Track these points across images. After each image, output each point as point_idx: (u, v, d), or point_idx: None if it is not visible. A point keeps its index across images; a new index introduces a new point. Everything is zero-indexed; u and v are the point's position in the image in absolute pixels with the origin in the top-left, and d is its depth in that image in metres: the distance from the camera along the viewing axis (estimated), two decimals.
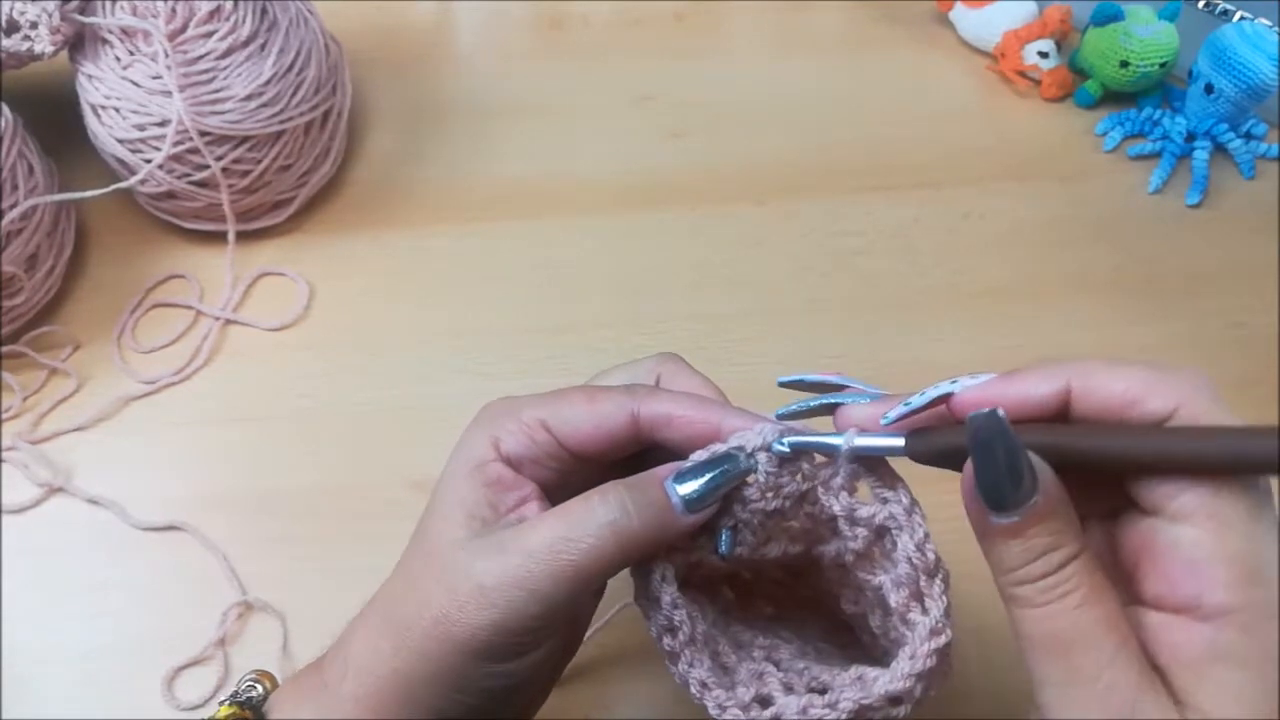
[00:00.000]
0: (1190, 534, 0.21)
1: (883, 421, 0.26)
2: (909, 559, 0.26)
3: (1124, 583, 0.23)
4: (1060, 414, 0.23)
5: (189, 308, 0.50)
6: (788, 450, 0.27)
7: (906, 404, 0.25)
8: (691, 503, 0.27)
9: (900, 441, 0.26)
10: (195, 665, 0.40)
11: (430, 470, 0.43)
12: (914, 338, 0.49)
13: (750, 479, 0.28)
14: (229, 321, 0.49)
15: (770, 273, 0.51)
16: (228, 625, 0.40)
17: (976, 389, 0.24)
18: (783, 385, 0.29)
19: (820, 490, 0.28)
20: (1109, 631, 0.21)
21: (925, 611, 0.26)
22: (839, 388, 0.28)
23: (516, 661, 0.27)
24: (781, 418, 0.29)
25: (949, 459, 0.24)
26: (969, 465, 0.22)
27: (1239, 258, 0.52)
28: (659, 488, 0.27)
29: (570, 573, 0.26)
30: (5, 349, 0.47)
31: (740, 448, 0.27)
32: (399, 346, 0.49)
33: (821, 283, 0.51)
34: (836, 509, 0.28)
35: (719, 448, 0.27)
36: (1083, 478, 0.23)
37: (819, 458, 0.28)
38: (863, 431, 0.27)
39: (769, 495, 0.28)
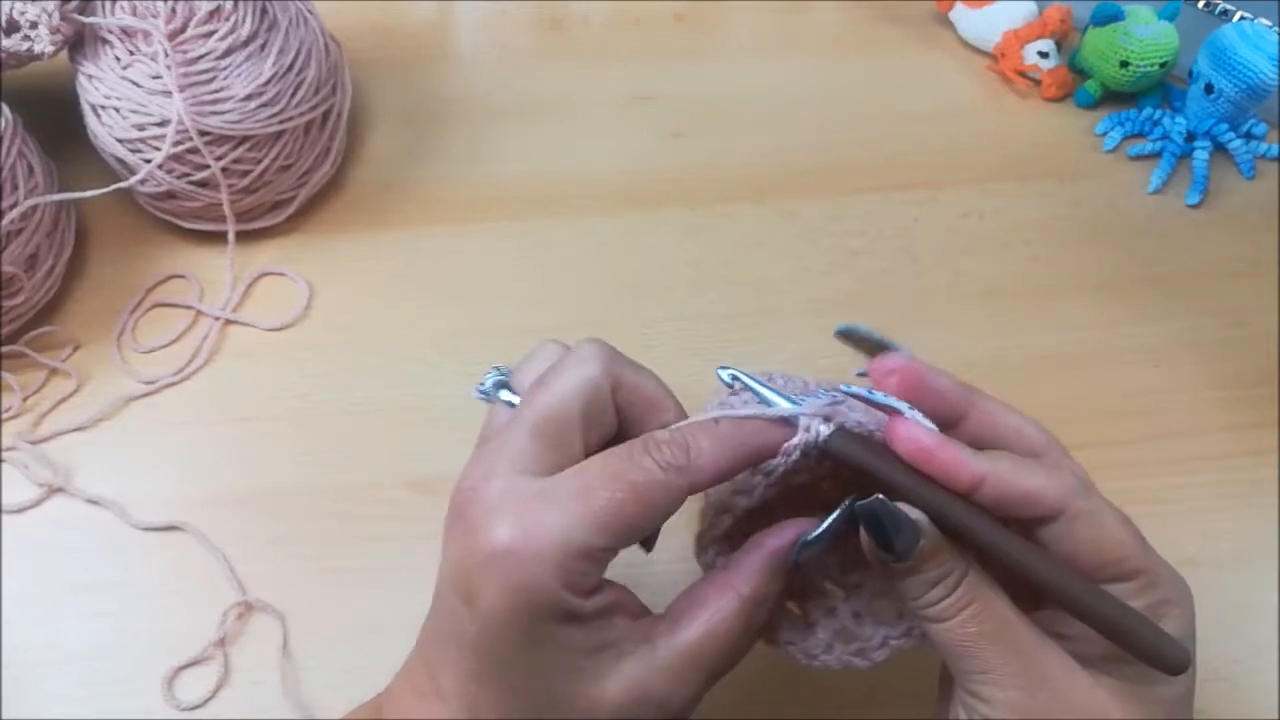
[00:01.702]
0: (1064, 526, 0.27)
1: (844, 389, 0.29)
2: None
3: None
4: (968, 494, 0.27)
5: (189, 308, 0.50)
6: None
7: (868, 392, 0.28)
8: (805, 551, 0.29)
9: (828, 430, 0.28)
10: (195, 665, 0.40)
11: (430, 470, 0.44)
12: (914, 338, 0.49)
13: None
14: (229, 321, 0.49)
15: (770, 273, 0.51)
16: (228, 625, 0.40)
17: (918, 433, 0.27)
18: (840, 334, 0.31)
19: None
20: (1004, 622, 0.26)
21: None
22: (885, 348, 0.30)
23: (581, 626, 0.27)
24: (841, 334, 0.31)
25: (850, 466, 0.28)
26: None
27: (1239, 258, 0.52)
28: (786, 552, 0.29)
29: (621, 504, 0.26)
30: (5, 349, 0.47)
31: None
32: (399, 346, 0.49)
33: (821, 283, 0.51)
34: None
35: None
36: None
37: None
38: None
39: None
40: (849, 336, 0.30)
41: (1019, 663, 0.26)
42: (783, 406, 0.28)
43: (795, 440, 0.28)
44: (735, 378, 0.30)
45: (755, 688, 0.38)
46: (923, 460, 0.27)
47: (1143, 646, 0.26)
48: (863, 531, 0.27)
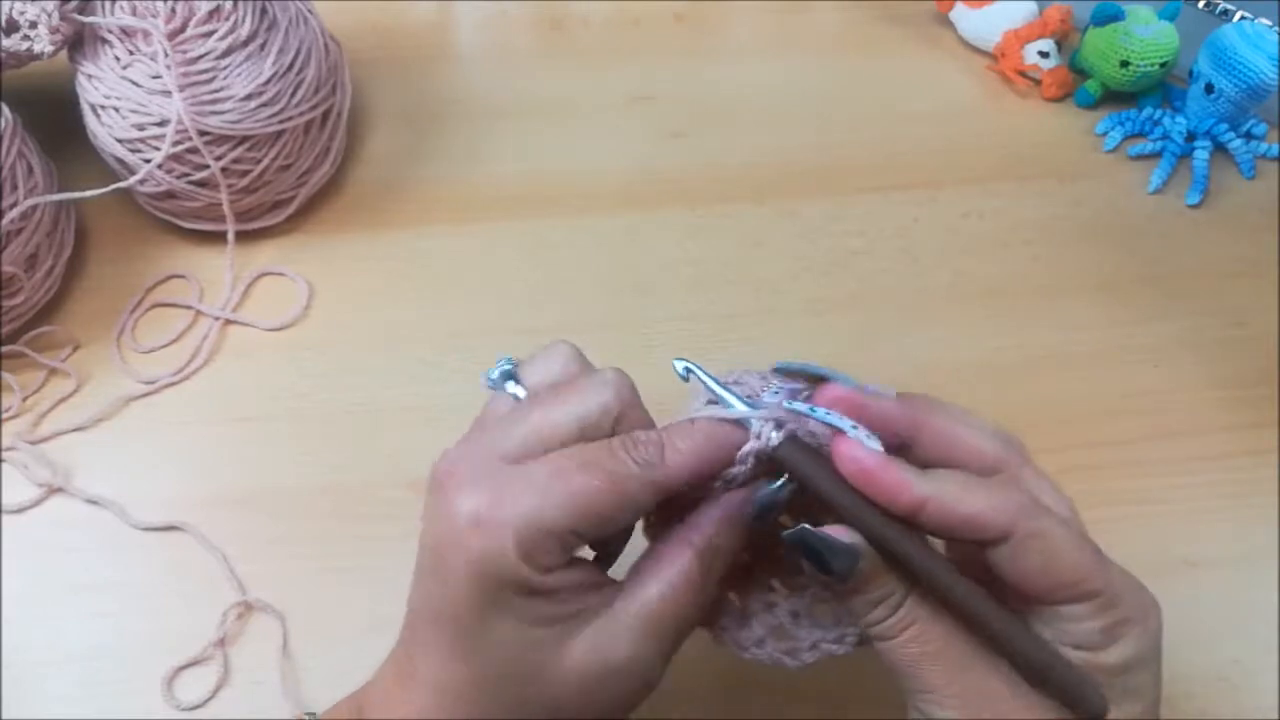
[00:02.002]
0: (1009, 549, 0.27)
1: (785, 404, 0.28)
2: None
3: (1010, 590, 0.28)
4: (911, 517, 0.27)
5: (188, 307, 0.50)
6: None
7: (811, 409, 0.28)
8: (759, 515, 0.29)
9: (777, 436, 0.28)
10: (195, 665, 0.40)
11: (429, 471, 0.44)
12: (914, 338, 0.49)
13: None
14: (229, 321, 0.49)
15: (770, 273, 0.51)
16: (227, 625, 0.40)
17: (861, 453, 0.27)
18: (780, 371, 0.30)
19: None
20: (945, 642, 0.27)
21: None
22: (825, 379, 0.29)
23: (544, 599, 0.27)
24: (781, 371, 0.30)
25: (793, 475, 0.28)
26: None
27: (1239, 258, 0.52)
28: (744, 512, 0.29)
29: (591, 496, 0.27)
30: (5, 349, 0.47)
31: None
32: (399, 346, 0.48)
33: (821, 283, 0.51)
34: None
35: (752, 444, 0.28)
36: None
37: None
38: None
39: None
40: (788, 373, 0.30)
41: (960, 684, 0.26)
42: (746, 409, 0.28)
43: (747, 447, 0.28)
44: (689, 370, 0.30)
45: (734, 688, 0.38)
46: (864, 481, 0.26)
47: (1062, 689, 0.26)
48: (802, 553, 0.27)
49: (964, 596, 0.26)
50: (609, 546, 0.32)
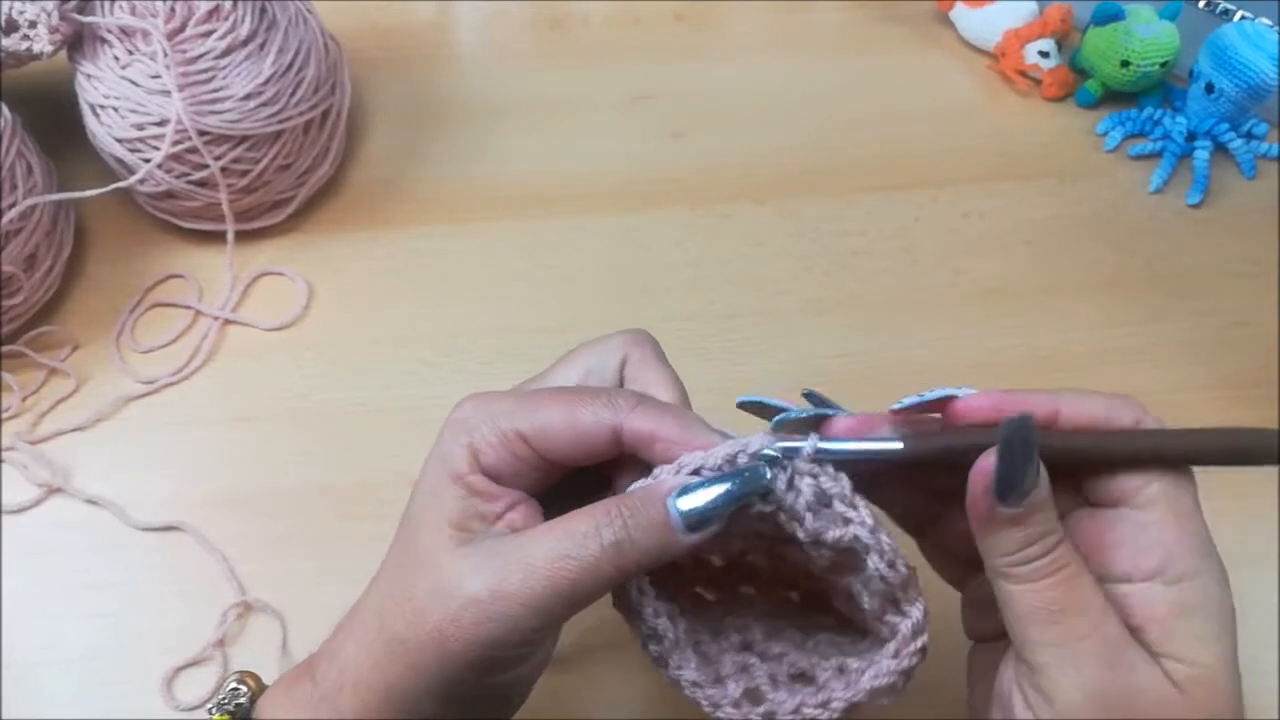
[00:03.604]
0: (1156, 517, 0.26)
1: (894, 407, 0.28)
2: (880, 575, 0.27)
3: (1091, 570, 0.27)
4: (1049, 425, 0.27)
5: (188, 307, 0.50)
6: (822, 450, 0.27)
7: (921, 396, 0.27)
8: (694, 522, 0.26)
9: (899, 445, 0.27)
10: (194, 665, 0.40)
11: None
12: (914, 338, 0.49)
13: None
14: (228, 321, 0.49)
15: (770, 273, 0.51)
16: (227, 625, 0.40)
17: (982, 395, 0.27)
18: (741, 406, 0.30)
19: (782, 516, 0.27)
20: (1094, 596, 0.26)
21: (904, 615, 0.27)
22: (781, 410, 0.29)
23: (511, 673, 0.27)
24: (778, 427, 0.28)
25: (941, 459, 0.27)
26: (985, 462, 0.26)
27: (1239, 257, 0.52)
28: (660, 506, 0.26)
29: (568, 590, 0.26)
30: (4, 349, 0.47)
31: (759, 460, 0.27)
32: (398, 346, 0.48)
33: (821, 283, 0.51)
34: (800, 535, 0.27)
35: (731, 449, 0.27)
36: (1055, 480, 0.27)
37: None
38: (853, 437, 0.28)
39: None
40: (750, 408, 0.29)
41: (1100, 642, 0.25)
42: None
43: (736, 446, 0.27)
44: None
45: None
46: (1000, 409, 0.26)
47: (1255, 455, 0.26)
48: (978, 473, 0.26)
49: (1134, 440, 0.26)
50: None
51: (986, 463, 0.25)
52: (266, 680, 0.30)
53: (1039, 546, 0.26)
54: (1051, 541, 0.26)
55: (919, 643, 0.27)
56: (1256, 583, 0.42)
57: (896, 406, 0.28)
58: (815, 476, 0.27)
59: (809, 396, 0.30)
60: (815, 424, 0.28)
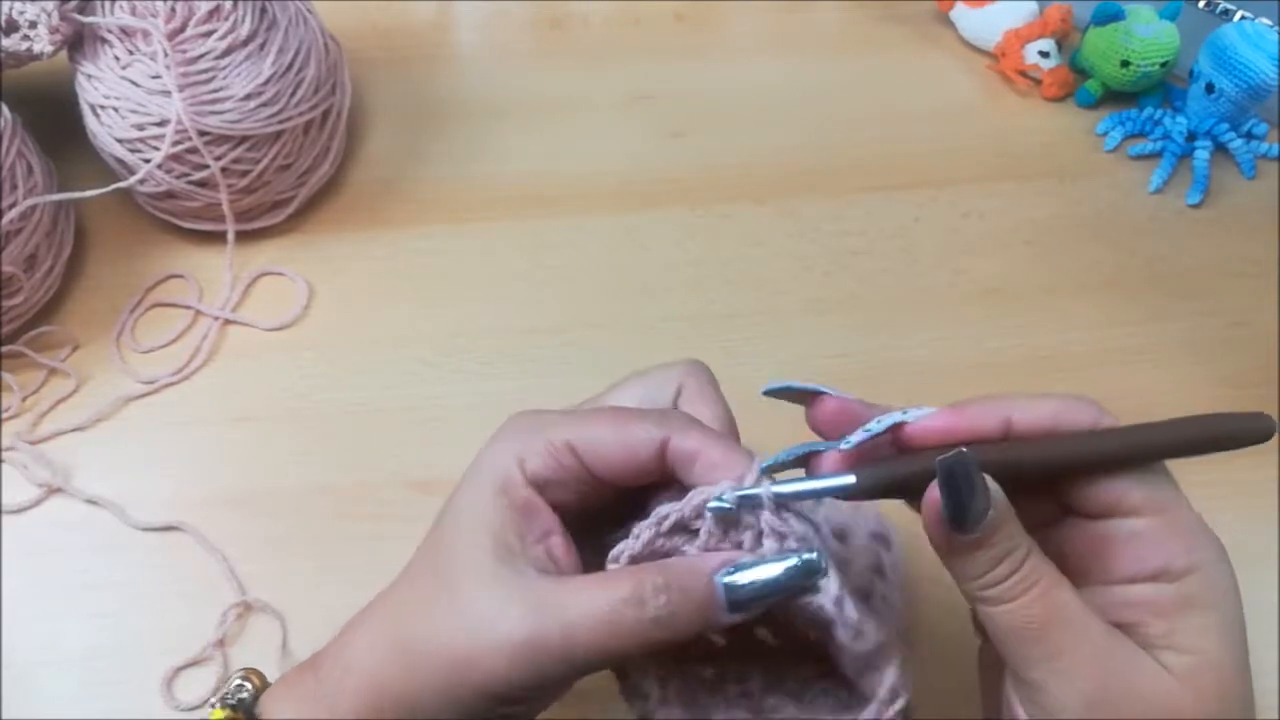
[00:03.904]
0: (1145, 523, 0.26)
1: (843, 446, 0.27)
2: (848, 651, 0.26)
3: (1082, 572, 0.27)
4: (1003, 437, 0.27)
5: (188, 307, 0.50)
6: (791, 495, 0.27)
7: (867, 430, 0.27)
8: (740, 604, 0.26)
9: (851, 480, 0.27)
10: (194, 665, 0.40)
11: (430, 470, 0.44)
12: (914, 338, 0.49)
13: (701, 538, 0.27)
14: (228, 321, 0.49)
15: (770, 273, 0.51)
16: (227, 625, 0.40)
17: (929, 419, 0.27)
18: (769, 394, 0.29)
19: None
20: (1072, 605, 0.25)
21: (880, 679, 0.26)
22: (820, 394, 0.28)
23: (537, 702, 0.27)
24: (767, 470, 0.28)
25: (896, 490, 0.27)
26: (932, 493, 0.25)
27: (1239, 257, 0.52)
28: (707, 583, 0.26)
29: (601, 655, 0.26)
30: (4, 349, 0.47)
31: (812, 555, 0.26)
32: (398, 346, 0.48)
33: (821, 283, 0.51)
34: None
35: (695, 497, 0.26)
36: (1026, 492, 0.27)
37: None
38: (806, 477, 0.27)
39: None
40: (780, 394, 0.29)
41: (1088, 649, 0.25)
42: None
43: (706, 494, 0.26)
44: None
45: None
46: (949, 432, 0.26)
47: (1235, 438, 0.26)
48: (929, 504, 0.26)
49: (1103, 442, 0.26)
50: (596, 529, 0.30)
51: (934, 494, 0.25)
52: (272, 679, 0.30)
53: (1006, 565, 0.25)
54: (1019, 558, 0.25)
55: (897, 705, 0.27)
56: (1256, 583, 0.41)
57: (846, 446, 0.27)
58: (782, 537, 0.26)
59: (777, 392, 0.29)
60: (807, 398, 0.28)
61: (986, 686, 0.30)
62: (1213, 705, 0.25)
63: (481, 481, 0.28)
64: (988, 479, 0.25)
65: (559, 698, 0.30)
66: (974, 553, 0.25)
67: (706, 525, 0.27)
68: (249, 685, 0.30)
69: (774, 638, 0.32)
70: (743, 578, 0.26)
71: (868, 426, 0.27)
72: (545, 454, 0.28)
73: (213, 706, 0.29)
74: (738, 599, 0.26)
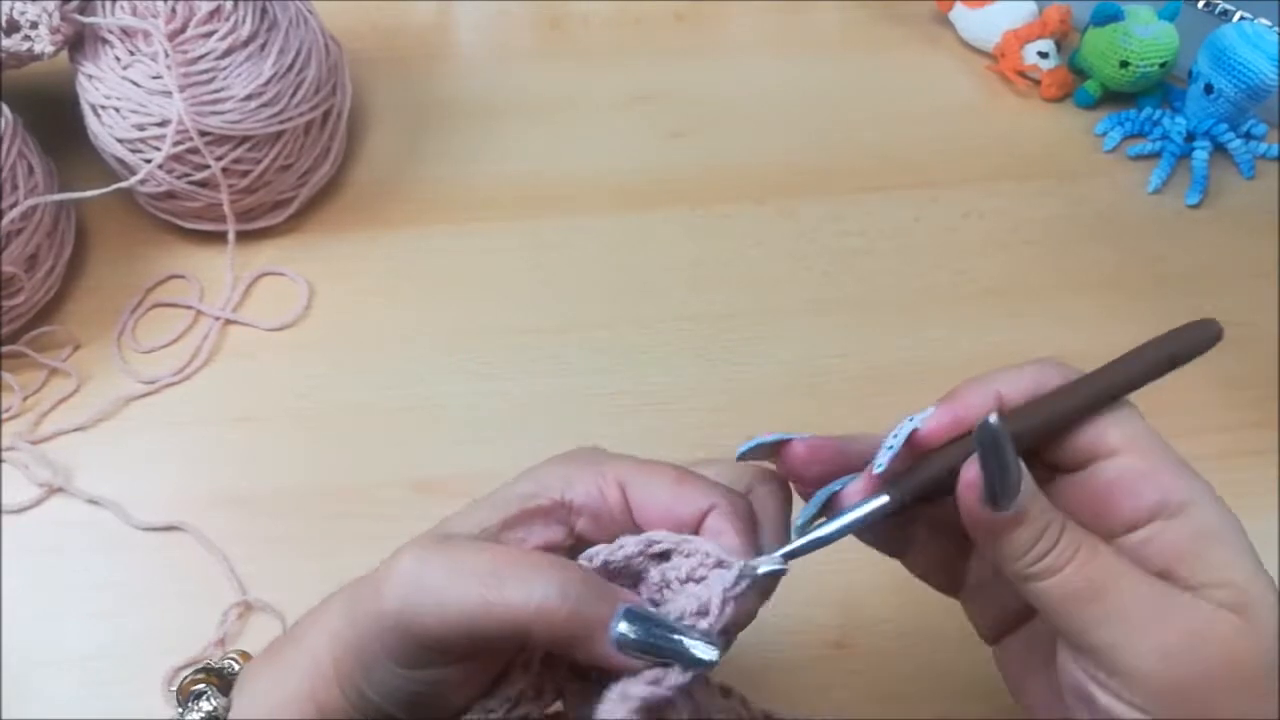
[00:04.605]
0: (1131, 459, 0.26)
1: (875, 469, 0.27)
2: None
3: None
4: (1001, 409, 0.27)
5: (189, 307, 0.50)
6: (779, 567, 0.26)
7: (889, 448, 0.27)
8: (624, 644, 0.25)
9: (885, 499, 0.27)
10: (195, 665, 0.40)
11: (431, 470, 0.44)
12: (915, 337, 0.49)
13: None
14: (229, 321, 0.49)
15: (770, 273, 0.51)
16: (228, 625, 0.40)
17: (937, 416, 0.27)
18: (742, 458, 0.29)
19: None
20: (1118, 561, 0.25)
21: None
22: (786, 442, 0.28)
23: (423, 671, 0.26)
24: (801, 528, 0.28)
25: (929, 493, 0.27)
26: (969, 474, 0.25)
27: (1239, 257, 0.52)
28: (610, 611, 0.25)
29: (470, 618, 0.24)
30: (5, 349, 0.47)
31: (696, 646, 0.25)
32: (399, 346, 0.49)
33: (821, 283, 0.51)
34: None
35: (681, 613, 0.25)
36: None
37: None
38: (844, 507, 0.27)
39: None
40: (752, 454, 0.28)
41: (1149, 601, 0.25)
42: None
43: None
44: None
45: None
46: (958, 424, 0.26)
47: (1192, 349, 0.27)
48: (966, 487, 0.26)
49: (1085, 388, 0.27)
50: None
51: (970, 475, 0.25)
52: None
53: (1048, 537, 0.25)
54: (1057, 529, 0.26)
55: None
56: None
57: (878, 469, 0.27)
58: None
59: (749, 454, 0.29)
60: (776, 450, 0.28)
61: (1029, 692, 0.29)
62: (1266, 629, 0.25)
63: (512, 494, 0.28)
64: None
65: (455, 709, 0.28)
66: (1015, 531, 0.25)
67: (678, 574, 0.26)
68: (237, 666, 0.30)
69: None
70: (638, 629, 0.25)
71: (888, 444, 0.27)
72: (592, 482, 0.28)
73: (196, 674, 0.29)
74: (626, 642, 0.25)
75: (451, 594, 0.25)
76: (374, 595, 0.26)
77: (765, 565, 0.26)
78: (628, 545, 0.27)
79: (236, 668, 0.30)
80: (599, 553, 0.27)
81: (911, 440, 0.27)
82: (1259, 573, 0.26)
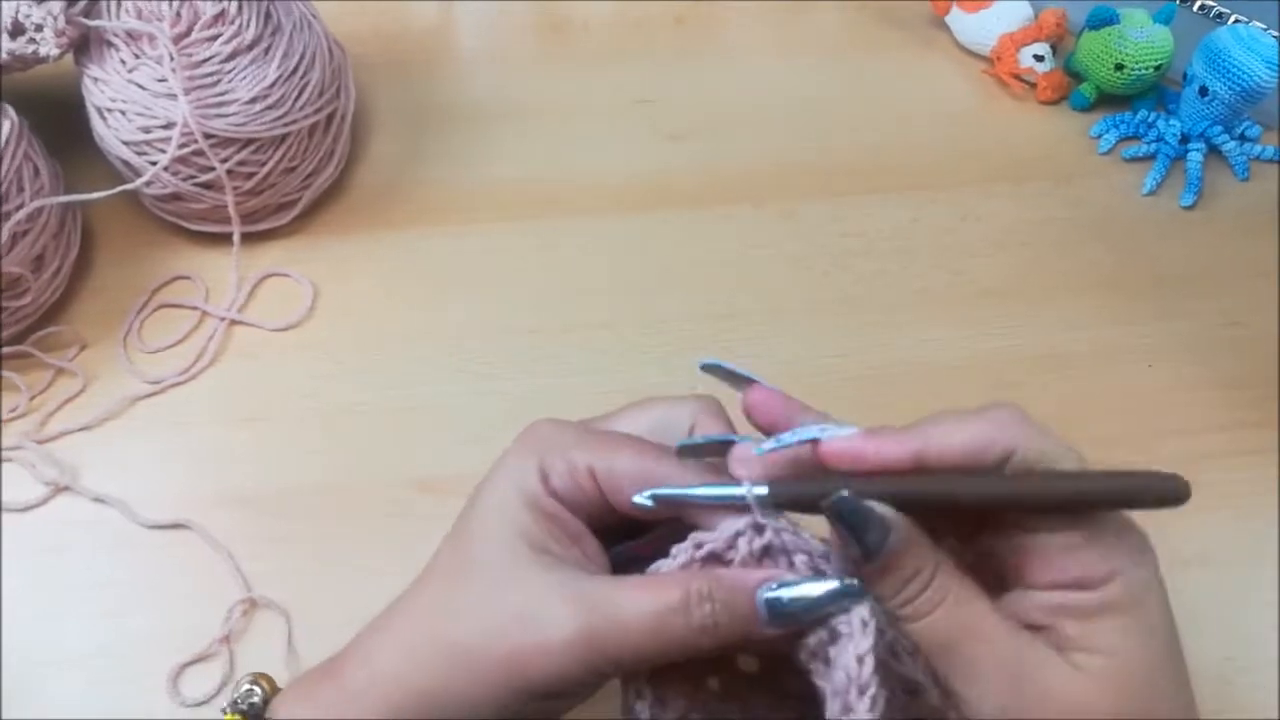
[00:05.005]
0: (1060, 537, 0.26)
1: (756, 451, 0.28)
2: (845, 669, 0.26)
3: (1006, 575, 0.28)
4: (915, 469, 0.27)
5: (194, 308, 0.50)
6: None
7: (780, 440, 0.27)
8: (780, 618, 0.26)
9: (764, 489, 0.27)
10: (200, 662, 0.40)
11: (435, 469, 0.45)
12: (913, 338, 0.49)
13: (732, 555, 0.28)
14: (234, 322, 0.50)
15: (770, 273, 0.52)
16: (233, 622, 0.41)
17: (842, 441, 0.27)
18: (704, 369, 0.30)
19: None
20: (984, 617, 0.26)
21: None
22: (751, 381, 0.29)
23: (570, 700, 0.28)
24: (681, 450, 0.29)
25: (804, 508, 0.27)
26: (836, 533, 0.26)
27: (1234, 259, 0.52)
28: (750, 598, 0.26)
29: (648, 656, 0.26)
30: (12, 349, 0.48)
31: (853, 581, 0.26)
32: (402, 346, 0.49)
33: (821, 283, 0.51)
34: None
35: (824, 579, 0.27)
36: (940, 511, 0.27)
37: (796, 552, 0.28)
38: (718, 483, 0.28)
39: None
40: (713, 371, 0.30)
41: (998, 657, 0.26)
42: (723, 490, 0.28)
43: (739, 525, 0.27)
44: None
45: None
46: (857, 460, 0.27)
47: (1146, 497, 0.26)
48: (836, 533, 0.27)
49: (1000, 486, 0.26)
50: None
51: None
52: (280, 683, 0.30)
53: (915, 584, 0.26)
54: (925, 577, 0.26)
55: None
56: (1257, 582, 0.42)
57: (759, 451, 0.28)
58: (809, 554, 0.27)
59: (711, 368, 0.30)
60: (721, 448, 0.29)
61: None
62: (1127, 704, 0.25)
63: (506, 487, 0.28)
64: (885, 510, 0.26)
65: (586, 699, 0.30)
66: (883, 577, 0.26)
67: (741, 555, 0.27)
68: (259, 690, 0.30)
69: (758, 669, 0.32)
70: (786, 594, 0.26)
71: (781, 437, 0.28)
72: (566, 474, 0.28)
73: (224, 712, 0.29)
74: (779, 613, 0.26)
75: (620, 653, 0.26)
76: (524, 661, 0.26)
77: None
78: (680, 555, 0.28)
79: (258, 693, 0.29)
80: (659, 568, 0.28)
81: (812, 450, 0.27)
82: (1150, 650, 0.26)
